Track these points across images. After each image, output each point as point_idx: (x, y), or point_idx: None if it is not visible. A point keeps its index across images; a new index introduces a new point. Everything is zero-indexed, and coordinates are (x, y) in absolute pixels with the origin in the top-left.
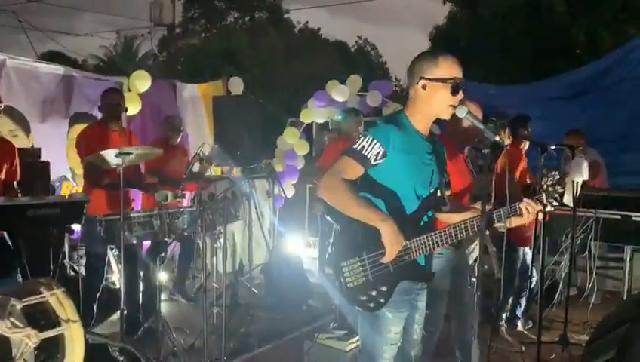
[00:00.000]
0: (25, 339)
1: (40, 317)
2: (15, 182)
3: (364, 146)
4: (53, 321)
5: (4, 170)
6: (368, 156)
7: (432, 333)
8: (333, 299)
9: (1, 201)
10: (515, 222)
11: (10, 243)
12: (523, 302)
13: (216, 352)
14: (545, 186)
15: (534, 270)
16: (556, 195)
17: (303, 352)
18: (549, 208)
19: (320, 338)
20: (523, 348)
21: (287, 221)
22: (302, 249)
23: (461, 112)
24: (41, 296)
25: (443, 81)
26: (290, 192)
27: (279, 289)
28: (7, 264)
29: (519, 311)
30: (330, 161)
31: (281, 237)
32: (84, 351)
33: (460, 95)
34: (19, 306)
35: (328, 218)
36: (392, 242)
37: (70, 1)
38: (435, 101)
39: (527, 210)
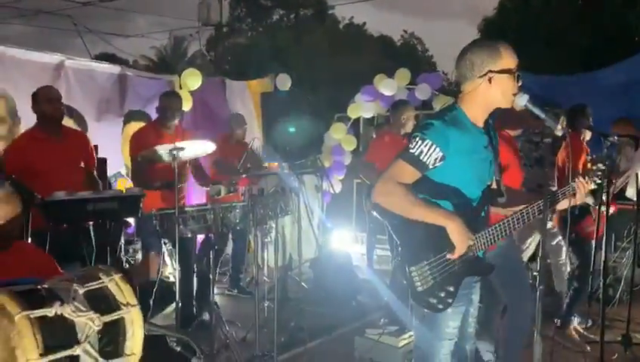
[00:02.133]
0: (89, 323)
1: (101, 302)
2: (94, 172)
3: (422, 151)
4: (114, 305)
5: (82, 160)
6: (426, 162)
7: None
8: (382, 294)
9: (62, 196)
10: (564, 204)
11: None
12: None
13: (268, 346)
14: (589, 165)
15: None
16: (599, 173)
17: (354, 347)
18: (592, 186)
19: (371, 334)
20: (588, 348)
21: (335, 216)
22: (350, 244)
23: (522, 100)
24: (101, 281)
25: (510, 72)
26: (337, 188)
27: (328, 284)
28: (68, 256)
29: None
30: (377, 156)
31: (329, 233)
32: (143, 335)
33: (519, 82)
34: (81, 291)
35: (375, 214)
36: (461, 239)
37: (122, 3)
38: (501, 92)
39: (580, 188)
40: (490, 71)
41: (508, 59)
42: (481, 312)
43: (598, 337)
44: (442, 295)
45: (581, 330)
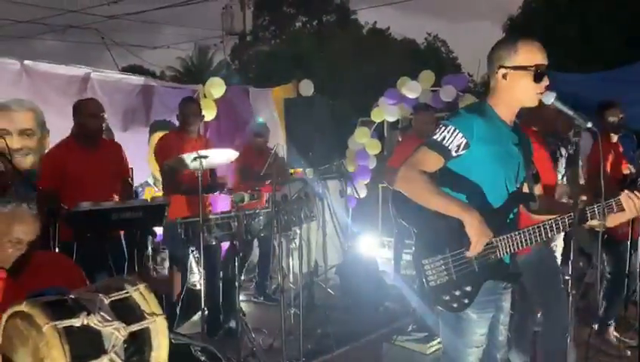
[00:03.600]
0: (115, 332)
1: (126, 312)
2: (129, 178)
3: (445, 137)
4: (139, 315)
5: (117, 170)
6: (449, 147)
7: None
8: (410, 300)
9: (87, 206)
10: (615, 220)
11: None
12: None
13: (295, 353)
14: None
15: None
16: None
17: (382, 354)
18: None
19: (399, 340)
20: (629, 353)
21: (361, 221)
22: (376, 249)
23: (548, 99)
24: (125, 291)
25: (524, 68)
26: (362, 192)
27: (355, 290)
28: (95, 266)
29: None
30: (401, 161)
31: (354, 238)
32: (169, 344)
33: (546, 81)
34: (107, 301)
35: (401, 221)
36: (477, 233)
37: (147, 15)
38: (518, 90)
39: (630, 203)
40: (501, 66)
41: (525, 56)
42: (515, 321)
43: (635, 341)
44: (457, 294)
45: (618, 335)
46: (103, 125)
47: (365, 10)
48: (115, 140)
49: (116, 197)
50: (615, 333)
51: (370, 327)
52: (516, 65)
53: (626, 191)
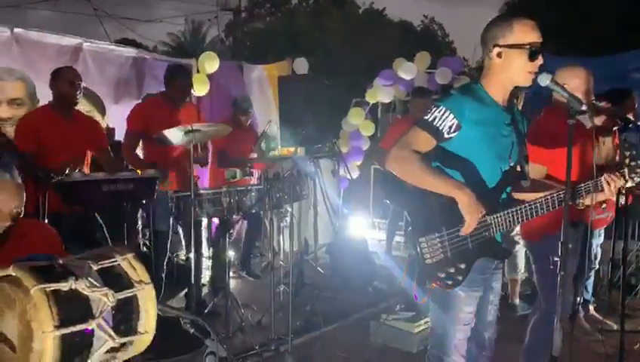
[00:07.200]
0: (103, 298)
1: (114, 279)
2: (108, 148)
3: (436, 117)
4: (127, 283)
5: (90, 144)
6: (441, 128)
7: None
8: (399, 281)
9: (78, 177)
10: (597, 198)
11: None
12: (590, 285)
13: (283, 329)
14: (627, 161)
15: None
16: (638, 170)
17: (370, 332)
18: (630, 183)
19: (387, 319)
20: (602, 337)
21: (352, 202)
22: (367, 230)
23: (543, 80)
24: (114, 259)
25: (519, 47)
26: (355, 173)
27: (344, 269)
28: (84, 239)
29: (588, 296)
30: (392, 142)
31: (345, 218)
32: (156, 312)
33: (540, 60)
34: (95, 268)
35: (387, 202)
36: (471, 211)
37: None
38: (512, 69)
39: (609, 183)
40: (496, 45)
41: (520, 34)
42: None
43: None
44: (452, 271)
45: (600, 318)
46: (80, 95)
47: None
48: (107, 112)
49: (86, 169)
50: (597, 315)
51: (359, 306)
52: (511, 44)
53: (605, 174)
